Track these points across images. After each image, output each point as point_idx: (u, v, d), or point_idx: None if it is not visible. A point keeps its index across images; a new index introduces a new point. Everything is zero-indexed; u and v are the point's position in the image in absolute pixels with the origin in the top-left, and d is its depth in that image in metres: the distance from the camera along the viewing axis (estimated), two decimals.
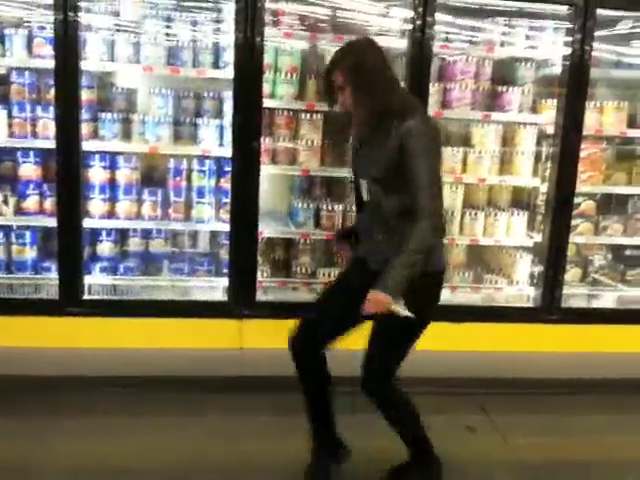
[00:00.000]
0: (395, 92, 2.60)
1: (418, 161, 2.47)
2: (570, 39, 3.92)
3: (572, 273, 4.53)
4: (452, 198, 4.24)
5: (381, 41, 3.77)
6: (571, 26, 3.92)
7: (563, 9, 3.94)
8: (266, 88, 3.85)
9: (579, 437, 3.59)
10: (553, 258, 4.18)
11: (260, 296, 4.00)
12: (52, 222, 3.79)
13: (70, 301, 3.80)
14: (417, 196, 2.48)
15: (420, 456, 2.96)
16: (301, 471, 3.06)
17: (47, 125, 3.76)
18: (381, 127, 2.56)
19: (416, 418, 2.87)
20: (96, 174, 3.93)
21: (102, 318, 3.81)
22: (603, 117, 4.26)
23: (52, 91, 3.67)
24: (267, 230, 4.04)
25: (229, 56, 3.76)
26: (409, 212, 2.52)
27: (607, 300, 4.55)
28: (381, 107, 2.55)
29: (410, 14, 3.78)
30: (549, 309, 4.21)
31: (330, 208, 4.13)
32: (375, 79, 2.54)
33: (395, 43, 3.93)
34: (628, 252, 4.70)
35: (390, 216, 2.62)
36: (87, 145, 3.79)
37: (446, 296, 4.30)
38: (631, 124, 4.32)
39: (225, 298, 3.95)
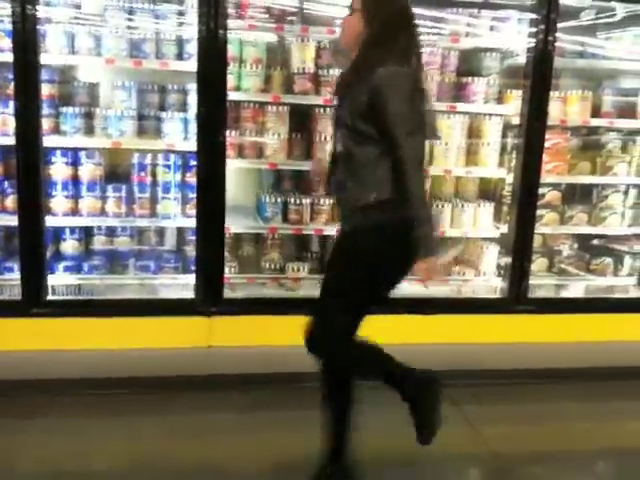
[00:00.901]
0: (393, 46, 2.56)
1: (390, 110, 2.47)
2: (534, 30, 3.93)
3: (539, 263, 4.57)
4: None
5: None
6: (535, 17, 3.92)
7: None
8: (231, 80, 3.79)
9: (550, 426, 3.63)
10: (519, 249, 4.19)
11: (228, 293, 3.94)
12: (13, 220, 3.67)
13: (33, 302, 3.70)
14: (395, 147, 2.50)
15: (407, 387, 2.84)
16: (269, 468, 3.04)
17: (6, 121, 3.65)
18: (357, 74, 2.56)
19: (386, 360, 2.81)
20: (58, 170, 3.83)
21: (67, 319, 3.70)
22: (567, 107, 4.29)
23: (11, 86, 3.55)
24: (234, 225, 3.99)
25: (193, 48, 3.68)
26: (382, 161, 2.55)
27: (574, 289, 4.60)
28: (369, 48, 2.55)
29: None
30: (516, 300, 4.23)
31: (298, 202, 4.09)
32: (391, 22, 2.55)
33: None
34: (593, 241, 4.76)
35: (361, 165, 2.61)
36: (48, 141, 3.69)
37: (414, 289, 4.31)
38: (595, 114, 4.36)
39: (192, 296, 3.89)
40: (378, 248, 2.64)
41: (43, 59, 3.56)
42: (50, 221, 3.79)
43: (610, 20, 4.31)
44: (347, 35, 2.67)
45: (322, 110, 4.01)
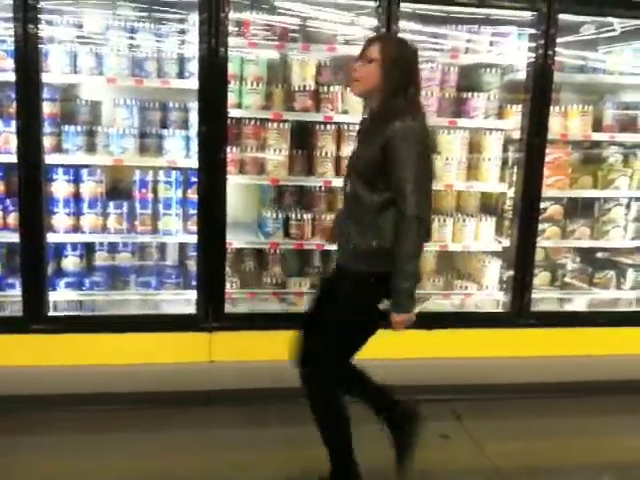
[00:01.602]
0: (406, 95, 2.64)
1: (402, 165, 2.54)
2: (534, 45, 3.95)
3: (541, 277, 4.56)
4: None
5: (348, 50, 3.87)
6: (535, 32, 3.94)
7: (527, 15, 3.96)
8: (232, 98, 3.82)
9: (553, 441, 3.61)
10: (522, 262, 4.19)
11: (230, 308, 3.95)
12: (15, 237, 3.69)
13: (35, 318, 3.71)
14: (402, 201, 2.56)
15: (339, 468, 2.94)
16: None
17: (9, 139, 3.68)
18: (376, 123, 2.62)
19: (341, 432, 2.88)
20: (60, 188, 3.86)
21: (68, 335, 3.72)
22: (568, 121, 4.30)
23: (14, 104, 3.58)
24: (236, 241, 4.00)
25: (194, 66, 3.71)
26: (387, 210, 2.62)
27: (577, 303, 4.58)
28: (389, 101, 2.61)
29: (375, 22, 3.78)
30: (519, 313, 4.22)
31: (299, 217, 4.10)
32: (406, 75, 2.63)
33: None
34: (596, 255, 4.74)
35: (366, 210, 2.66)
36: (50, 158, 3.72)
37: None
38: (596, 128, 4.36)
39: (194, 311, 3.90)
40: (378, 295, 2.74)
41: (45, 78, 3.60)
42: (52, 238, 3.81)
43: (610, 35, 4.32)
44: (364, 84, 2.68)
45: (323, 127, 4.03)
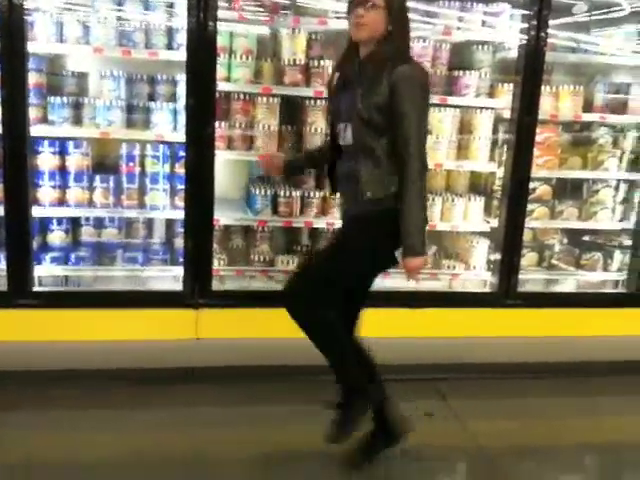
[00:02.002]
0: (408, 40, 2.76)
1: (409, 108, 2.58)
2: (526, 25, 3.91)
3: (529, 258, 4.56)
4: None
5: (339, 24, 3.82)
6: (527, 12, 3.90)
7: None
8: (221, 71, 3.76)
9: (538, 421, 3.63)
10: (510, 243, 4.18)
11: (217, 285, 3.93)
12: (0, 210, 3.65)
13: (20, 293, 3.66)
14: (406, 144, 2.60)
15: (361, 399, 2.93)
16: (257, 462, 3.05)
17: None
18: (379, 67, 2.62)
19: (351, 356, 2.91)
20: (45, 160, 3.80)
21: (53, 310, 3.67)
22: (559, 102, 4.28)
23: None
24: (223, 217, 3.96)
25: (182, 38, 3.63)
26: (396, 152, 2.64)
27: (564, 284, 4.60)
28: (397, 45, 2.66)
29: None
30: (506, 294, 4.22)
31: (288, 194, 4.06)
32: (406, 20, 2.73)
33: None
34: (583, 236, 4.75)
35: (381, 158, 2.68)
36: (35, 130, 3.65)
37: (404, 282, 4.30)
38: (586, 109, 4.35)
39: (181, 288, 3.86)
40: (387, 234, 2.74)
41: (30, 47, 3.52)
42: (37, 211, 3.76)
43: (602, 17, 4.30)
44: (370, 30, 2.66)
45: (313, 102, 3.98)
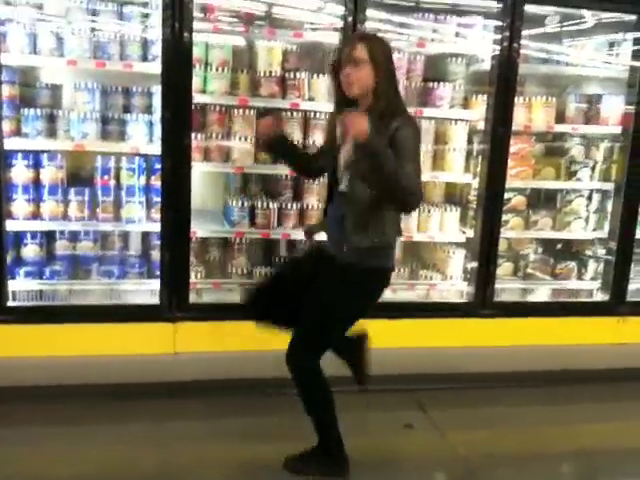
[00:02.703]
0: (397, 90, 2.81)
1: (408, 158, 2.61)
2: (499, 36, 3.96)
3: (504, 268, 4.60)
4: None
5: (315, 36, 3.84)
6: (500, 23, 3.96)
7: (492, 5, 3.97)
8: (197, 83, 3.76)
9: (516, 430, 3.65)
10: (485, 253, 4.22)
11: (194, 298, 3.90)
12: None
13: None
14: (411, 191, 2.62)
15: (327, 448, 3.02)
16: (236, 476, 3.07)
17: None
18: (377, 121, 2.60)
19: (330, 409, 2.95)
20: (19, 173, 3.74)
21: (28, 325, 3.62)
22: (532, 113, 4.34)
23: None
24: (200, 230, 3.94)
25: (158, 50, 3.63)
26: (380, 200, 2.68)
27: (539, 293, 4.64)
28: (388, 99, 2.71)
29: (341, 10, 3.75)
30: (482, 304, 4.25)
31: (265, 206, 4.05)
32: (393, 72, 2.76)
33: (329, 38, 3.88)
34: (558, 246, 4.80)
35: (366, 209, 2.72)
36: (9, 143, 3.62)
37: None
38: (559, 119, 4.41)
39: (158, 301, 3.83)
40: (369, 290, 2.89)
41: (3, 59, 3.50)
42: (10, 225, 3.71)
43: (574, 28, 4.36)
44: (360, 86, 2.72)
45: (289, 114, 3.98)
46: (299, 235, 4.08)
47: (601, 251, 4.66)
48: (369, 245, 2.75)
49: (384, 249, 2.84)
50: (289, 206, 4.09)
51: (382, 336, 3.96)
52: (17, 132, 3.74)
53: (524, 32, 3.99)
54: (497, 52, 3.99)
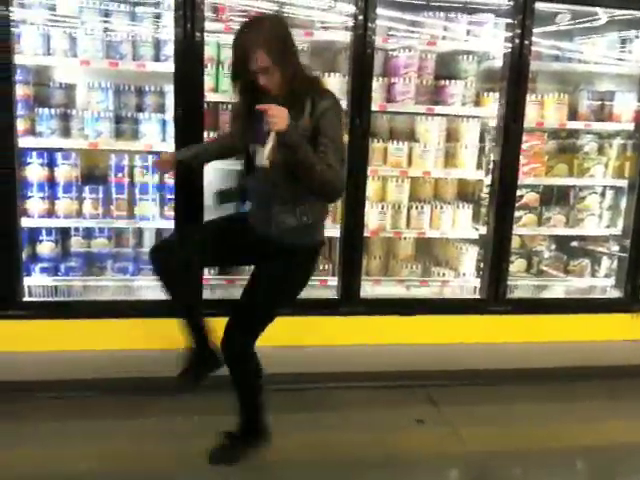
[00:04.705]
0: (298, 68, 2.70)
1: (330, 147, 2.57)
2: (510, 34, 3.96)
3: (517, 264, 4.60)
4: (398, 192, 4.27)
5: (326, 35, 3.85)
6: (511, 20, 3.96)
7: (503, 2, 3.98)
8: (209, 82, 3.80)
9: (528, 427, 3.63)
10: (498, 250, 4.22)
11: (208, 294, 3.93)
12: None
13: (9, 303, 3.68)
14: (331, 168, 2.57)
15: (254, 429, 3.06)
16: (236, 469, 3.05)
17: None
18: (295, 101, 2.60)
19: (262, 392, 2.99)
20: (34, 172, 3.81)
21: (43, 320, 3.68)
22: (544, 110, 4.33)
23: None
24: None
25: (170, 49, 3.67)
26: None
27: (552, 290, 4.63)
28: (297, 78, 2.64)
29: (352, 9, 3.77)
30: (495, 300, 4.25)
31: None
32: (292, 50, 2.67)
33: (340, 37, 3.90)
34: (571, 243, 4.79)
35: (293, 188, 2.67)
36: (24, 142, 3.67)
37: (395, 289, 4.33)
38: (572, 116, 4.40)
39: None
40: (306, 268, 2.88)
41: (17, 59, 3.55)
42: (26, 222, 3.77)
43: (586, 25, 4.35)
44: (279, 87, 2.64)
45: None
46: None
47: (615, 248, 4.64)
48: (297, 224, 2.73)
49: (316, 226, 2.84)
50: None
51: (395, 332, 4.01)
52: (32, 131, 3.80)
53: (536, 29, 3.99)
54: (508, 49, 3.98)
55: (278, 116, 2.44)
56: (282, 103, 2.54)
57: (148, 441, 3.28)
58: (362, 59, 3.80)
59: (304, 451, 3.17)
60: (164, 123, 3.88)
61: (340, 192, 2.75)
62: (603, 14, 4.24)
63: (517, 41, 3.94)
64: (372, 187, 4.20)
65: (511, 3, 3.94)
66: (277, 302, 2.91)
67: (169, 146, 3.75)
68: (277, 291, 2.87)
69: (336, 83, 3.90)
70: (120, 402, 3.58)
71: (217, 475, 3.02)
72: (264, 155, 2.51)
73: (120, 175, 3.93)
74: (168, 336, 3.79)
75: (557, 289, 4.65)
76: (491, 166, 4.21)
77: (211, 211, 3.93)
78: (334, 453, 3.18)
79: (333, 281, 4.11)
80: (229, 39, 3.82)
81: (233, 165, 4.00)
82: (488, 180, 4.27)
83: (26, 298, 3.78)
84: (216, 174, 4.24)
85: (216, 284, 4.08)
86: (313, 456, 3.19)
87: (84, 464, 3.05)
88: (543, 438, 3.52)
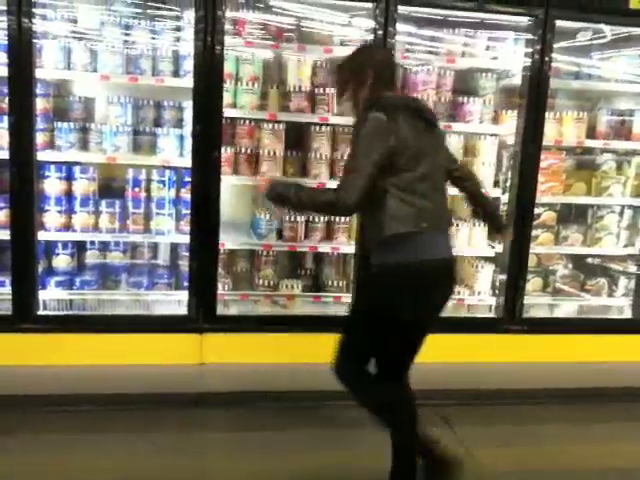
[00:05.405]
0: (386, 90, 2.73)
1: (356, 147, 2.59)
2: (530, 50, 3.95)
3: (533, 283, 4.57)
4: None
5: (344, 51, 3.84)
6: (531, 37, 3.94)
7: (524, 20, 3.96)
8: (227, 98, 3.80)
9: (543, 447, 3.59)
10: (514, 268, 4.19)
11: (221, 310, 3.93)
12: (6, 235, 3.65)
13: (24, 317, 3.69)
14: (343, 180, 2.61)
15: (401, 461, 2.85)
16: None
17: (1, 134, 3.63)
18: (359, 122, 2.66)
19: (403, 422, 2.81)
20: (52, 185, 3.83)
21: (58, 334, 3.69)
22: (563, 127, 4.31)
23: (6, 100, 3.54)
24: (229, 242, 3.98)
25: (189, 65, 3.70)
26: (381, 199, 2.58)
27: (568, 309, 4.59)
28: (361, 103, 2.72)
29: (372, 24, 3.77)
30: (511, 319, 4.22)
31: (293, 219, 4.08)
32: (359, 79, 2.73)
33: None
34: (588, 261, 4.75)
35: (369, 205, 2.62)
36: (42, 155, 3.69)
37: None
38: (590, 134, 4.37)
39: (185, 312, 3.87)
40: (398, 291, 2.65)
41: (38, 74, 3.58)
42: (43, 236, 3.79)
43: (605, 41, 4.32)
44: (356, 106, 2.78)
45: (318, 128, 4.01)
46: (326, 248, 4.10)
47: (632, 267, 4.60)
48: (379, 239, 2.63)
49: (392, 242, 2.60)
50: (316, 219, 4.10)
51: None
52: (50, 144, 3.81)
53: (555, 45, 3.97)
54: (528, 66, 3.97)
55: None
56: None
57: (162, 456, 3.26)
58: None
59: (311, 471, 3.13)
60: (182, 138, 3.90)
61: (342, 208, 2.60)
62: (608, 31, 4.21)
63: (537, 57, 3.93)
64: None
65: (531, 20, 3.91)
66: (367, 326, 2.79)
67: (186, 161, 3.76)
68: (366, 314, 2.82)
69: None
70: (133, 416, 3.58)
71: None
72: None
73: (137, 189, 3.95)
74: (180, 351, 3.82)
75: (573, 308, 4.62)
76: (508, 184, 4.19)
77: (226, 226, 3.94)
78: (341, 473, 3.15)
79: (347, 298, 4.09)
80: (248, 54, 3.89)
81: (249, 181, 4.03)
82: (505, 198, 4.24)
83: (41, 312, 3.79)
84: (232, 190, 4.26)
85: (230, 299, 4.07)
86: (318, 476, 3.16)
87: (97, 478, 3.04)
88: (557, 459, 3.48)
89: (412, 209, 2.59)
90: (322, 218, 4.11)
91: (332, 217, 4.10)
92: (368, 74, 2.72)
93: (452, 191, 4.19)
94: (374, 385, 2.82)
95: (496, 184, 4.27)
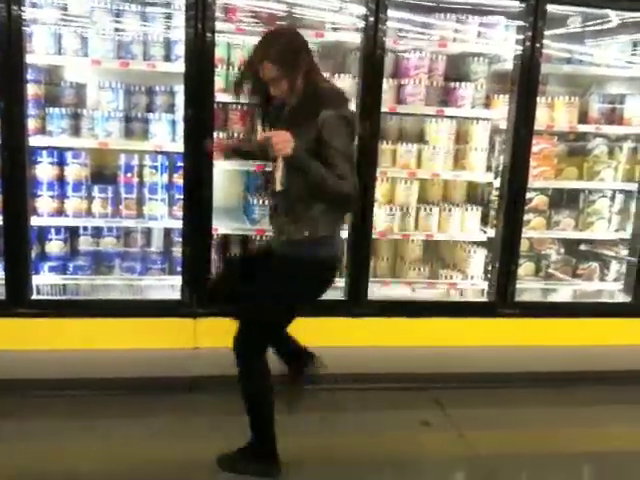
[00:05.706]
0: (323, 78, 2.75)
1: (337, 157, 2.55)
2: (521, 36, 3.95)
3: (525, 267, 4.59)
4: (407, 194, 4.26)
5: (336, 36, 3.85)
6: (522, 23, 3.95)
7: (515, 5, 3.96)
8: (219, 82, 3.80)
9: (534, 430, 3.62)
10: (506, 253, 4.21)
11: None
12: None
13: (18, 302, 3.70)
14: (339, 174, 2.56)
15: (260, 447, 2.97)
16: None
17: None
18: (301, 112, 2.62)
19: (268, 406, 2.91)
20: (44, 170, 3.83)
21: (51, 319, 3.70)
22: (554, 112, 4.32)
23: None
24: (222, 227, 3.98)
25: (181, 49, 3.69)
26: (315, 198, 2.62)
27: (560, 294, 4.62)
28: (305, 93, 2.64)
29: (363, 10, 3.77)
30: (503, 303, 4.25)
31: None
32: (305, 64, 2.65)
33: (350, 38, 3.91)
34: (580, 246, 4.77)
35: (297, 200, 2.67)
36: (34, 141, 3.70)
37: (403, 291, 4.33)
38: (582, 119, 4.38)
39: (179, 297, 3.88)
40: (305, 280, 2.77)
41: (29, 59, 3.57)
42: (35, 221, 3.79)
43: (597, 28, 4.33)
44: (286, 93, 2.66)
45: None
46: None
47: (624, 252, 4.62)
48: (301, 237, 2.69)
49: (319, 240, 2.72)
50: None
51: (401, 334, 4.00)
52: (42, 130, 3.81)
53: (547, 32, 3.98)
54: (519, 52, 3.98)
55: (282, 142, 2.45)
56: (290, 112, 2.63)
57: (157, 440, 3.28)
58: (372, 60, 3.80)
59: (310, 452, 3.16)
60: (174, 123, 3.89)
61: (355, 201, 2.71)
62: (615, 17, 4.23)
63: (528, 43, 3.93)
64: (381, 189, 4.20)
65: (523, 5, 3.92)
66: (271, 309, 2.85)
67: (179, 146, 3.76)
68: (272, 298, 2.82)
69: (346, 84, 3.89)
70: (127, 401, 3.59)
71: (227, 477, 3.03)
72: (276, 181, 2.57)
73: (129, 175, 3.94)
74: (174, 335, 3.83)
75: (565, 292, 4.64)
76: (500, 168, 4.20)
77: (219, 211, 3.95)
78: (339, 454, 3.17)
79: (341, 282, 4.10)
80: (240, 40, 3.89)
81: (241, 166, 4.04)
82: (497, 183, 4.26)
83: (34, 296, 3.80)
84: (225, 175, 4.26)
85: None
86: (319, 457, 3.18)
87: (91, 462, 3.05)
88: (549, 442, 3.51)
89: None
90: None
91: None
92: (307, 61, 2.68)
93: (447, 175, 4.26)
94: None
95: (488, 169, 4.27)
